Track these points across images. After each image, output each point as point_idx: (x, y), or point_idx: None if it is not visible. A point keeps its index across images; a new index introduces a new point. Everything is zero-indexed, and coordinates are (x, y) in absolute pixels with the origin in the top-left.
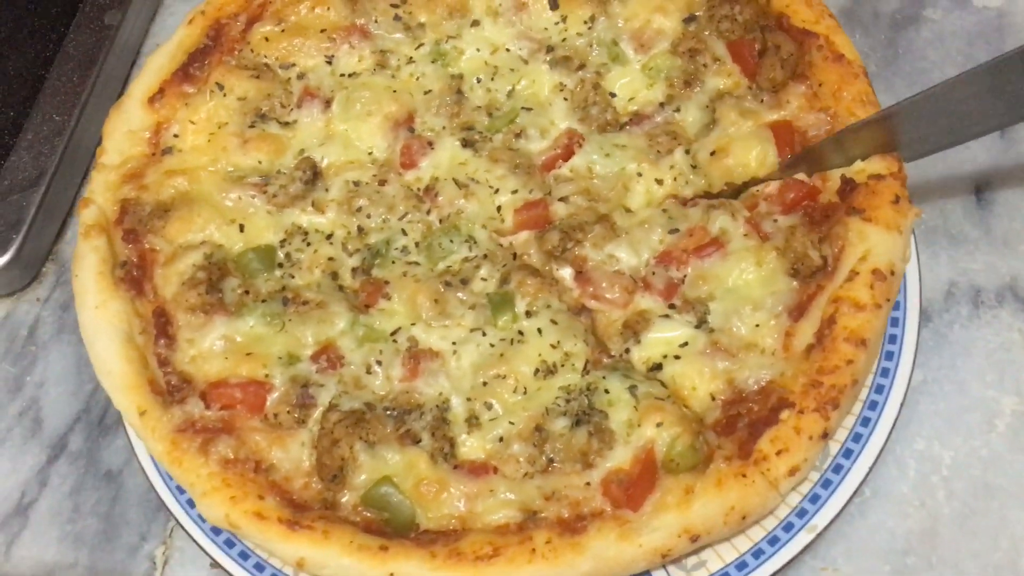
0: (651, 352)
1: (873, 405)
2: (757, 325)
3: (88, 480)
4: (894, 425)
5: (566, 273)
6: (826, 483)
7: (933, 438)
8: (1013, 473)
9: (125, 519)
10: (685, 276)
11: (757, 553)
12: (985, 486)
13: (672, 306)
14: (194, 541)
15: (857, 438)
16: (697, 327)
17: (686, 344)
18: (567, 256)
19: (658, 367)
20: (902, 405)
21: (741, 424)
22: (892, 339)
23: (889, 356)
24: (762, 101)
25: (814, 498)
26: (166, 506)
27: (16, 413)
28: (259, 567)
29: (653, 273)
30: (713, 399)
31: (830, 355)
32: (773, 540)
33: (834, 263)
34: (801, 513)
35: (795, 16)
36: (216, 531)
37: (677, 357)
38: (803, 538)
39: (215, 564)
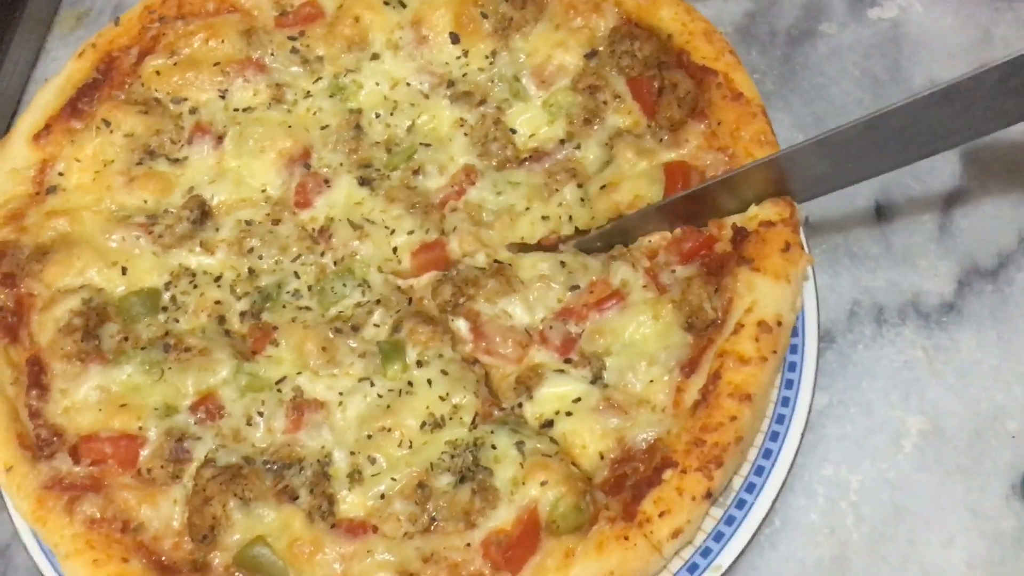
0: (544, 408)
1: (775, 436)
2: (651, 381)
3: None
4: (797, 453)
5: (461, 325)
6: (730, 520)
7: (840, 462)
8: (921, 494)
9: None
10: (583, 331)
11: None
12: (894, 509)
13: (568, 360)
14: None
15: (760, 471)
16: (592, 382)
17: (579, 400)
18: (459, 310)
19: (550, 423)
20: (804, 433)
21: (628, 484)
22: (792, 366)
23: (789, 384)
24: (661, 140)
25: (718, 536)
26: None
27: None
28: None
29: (551, 327)
30: (602, 458)
31: (714, 412)
32: None
33: (723, 316)
34: (705, 552)
35: (695, 53)
36: None
37: (569, 413)
38: None
39: None
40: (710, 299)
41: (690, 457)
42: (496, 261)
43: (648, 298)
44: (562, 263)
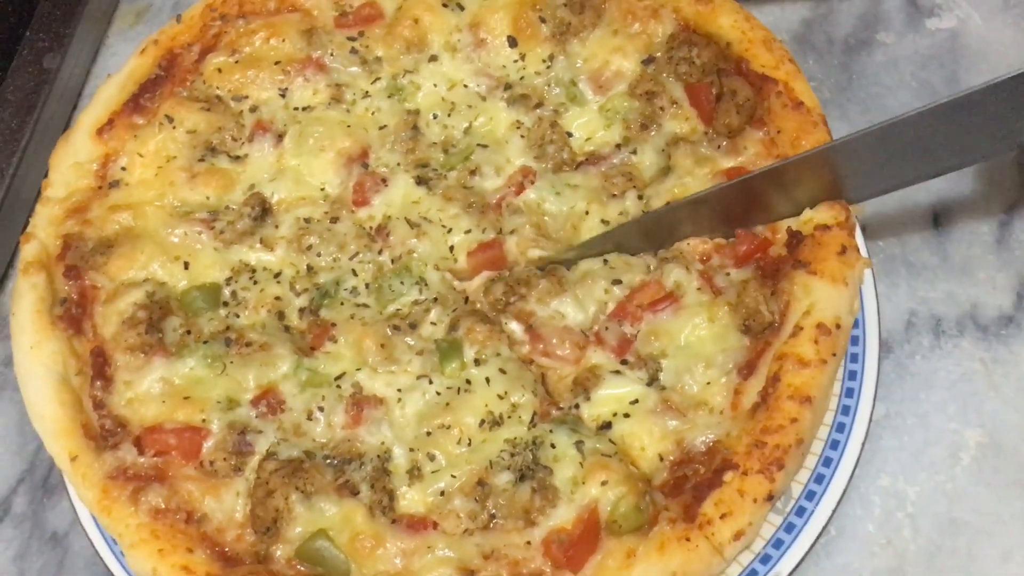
0: (601, 409)
1: (835, 444)
2: (708, 383)
3: (33, 544)
4: (857, 463)
5: (516, 327)
6: (789, 527)
7: (897, 473)
8: (979, 507)
9: None
10: (638, 332)
11: None
12: (951, 521)
13: (624, 362)
14: None
15: (820, 479)
16: (649, 384)
17: (636, 401)
18: (511, 310)
19: (608, 425)
20: (864, 442)
21: (687, 486)
22: (852, 375)
23: (849, 393)
24: (719, 147)
25: (777, 543)
26: (112, 574)
27: None
28: None
29: (606, 328)
30: (662, 459)
31: (774, 414)
32: None
33: (780, 319)
34: (764, 559)
35: (754, 60)
36: None
37: (627, 415)
38: None
39: None
40: (767, 302)
41: (751, 459)
42: (552, 263)
43: (703, 300)
44: (604, 260)
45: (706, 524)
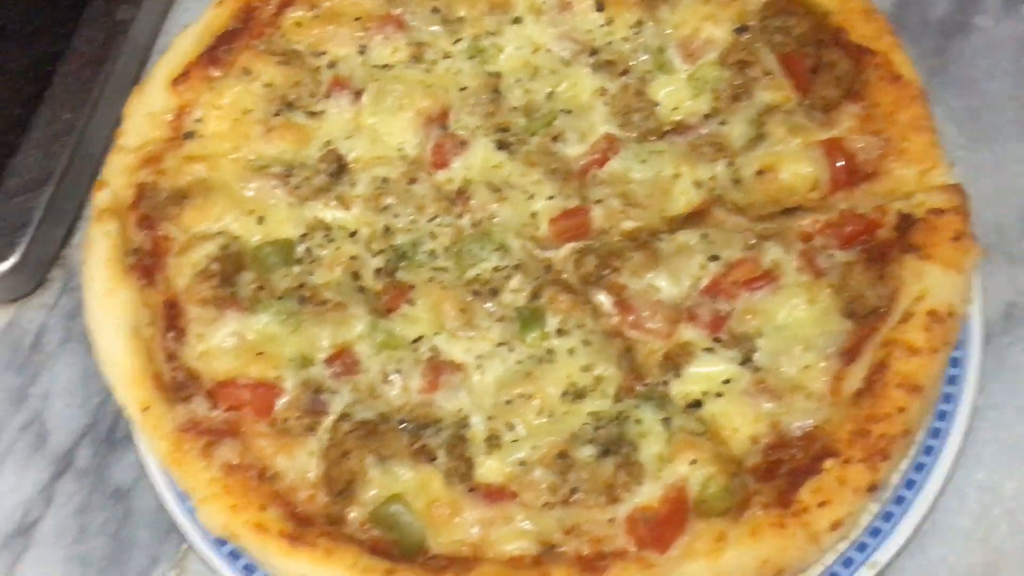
0: (691, 387)
1: (936, 432)
2: (806, 366)
3: (95, 498)
4: (959, 453)
5: (605, 299)
6: (887, 516)
7: (995, 467)
8: None
9: (135, 540)
10: (733, 309)
11: None
12: None
13: (717, 340)
14: (208, 566)
15: (920, 468)
16: (742, 364)
17: (729, 381)
18: (603, 283)
19: (697, 404)
20: (966, 432)
21: (782, 471)
22: (954, 362)
23: (952, 380)
24: (812, 119)
25: (874, 532)
26: (178, 528)
27: (19, 426)
28: None
29: (699, 304)
30: (755, 442)
31: (880, 402)
32: None
33: (888, 304)
34: (861, 548)
35: (853, 32)
36: (235, 555)
37: (719, 395)
38: (864, 575)
39: None
40: (873, 286)
41: (854, 447)
42: (645, 235)
43: (803, 281)
44: (704, 235)
45: (802, 512)
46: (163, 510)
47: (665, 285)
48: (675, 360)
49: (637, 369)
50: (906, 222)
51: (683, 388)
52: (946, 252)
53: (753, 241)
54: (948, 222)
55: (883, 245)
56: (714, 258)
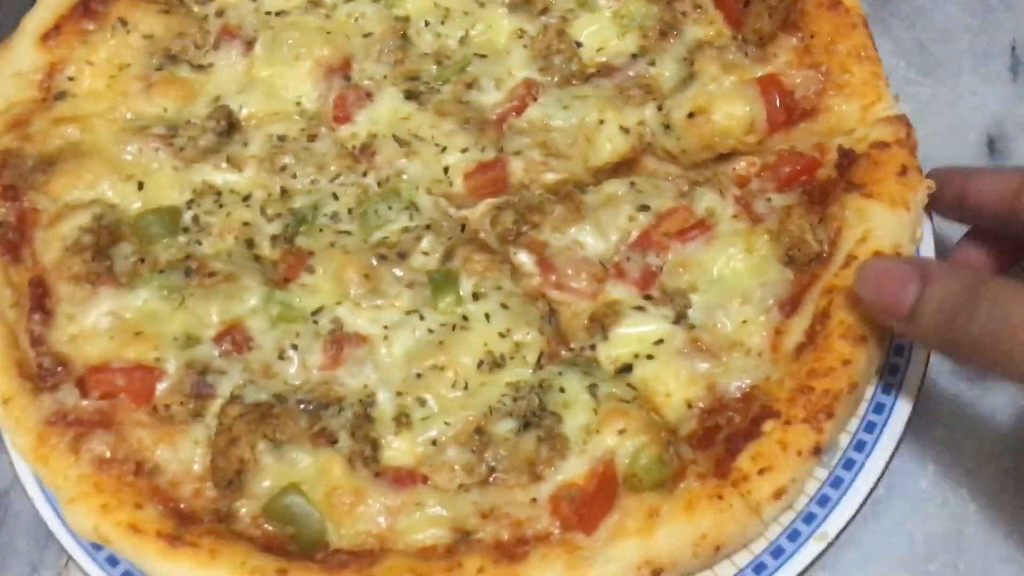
0: (620, 350)
1: (887, 388)
2: (744, 321)
3: None
4: (913, 410)
5: (525, 258)
6: (836, 481)
7: (954, 425)
8: None
9: (12, 547)
10: (664, 263)
11: (758, 568)
12: (1018, 477)
13: (648, 297)
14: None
15: (871, 427)
16: (675, 322)
17: (661, 342)
18: (523, 240)
19: (628, 368)
20: (920, 389)
21: (720, 437)
22: None
23: None
24: (747, 54)
25: (823, 500)
26: (53, 534)
27: None
28: None
29: (628, 259)
30: (690, 407)
31: (823, 355)
32: (777, 552)
33: (830, 248)
34: (808, 518)
35: None
36: (112, 561)
37: (650, 357)
38: (813, 548)
39: None
40: (813, 229)
41: (795, 407)
42: (569, 187)
43: (740, 228)
44: (632, 184)
45: (741, 480)
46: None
47: (590, 240)
48: (602, 321)
49: (561, 333)
50: (847, 159)
51: (612, 352)
52: (891, 188)
53: (686, 188)
54: (893, 156)
55: (824, 185)
56: (643, 208)
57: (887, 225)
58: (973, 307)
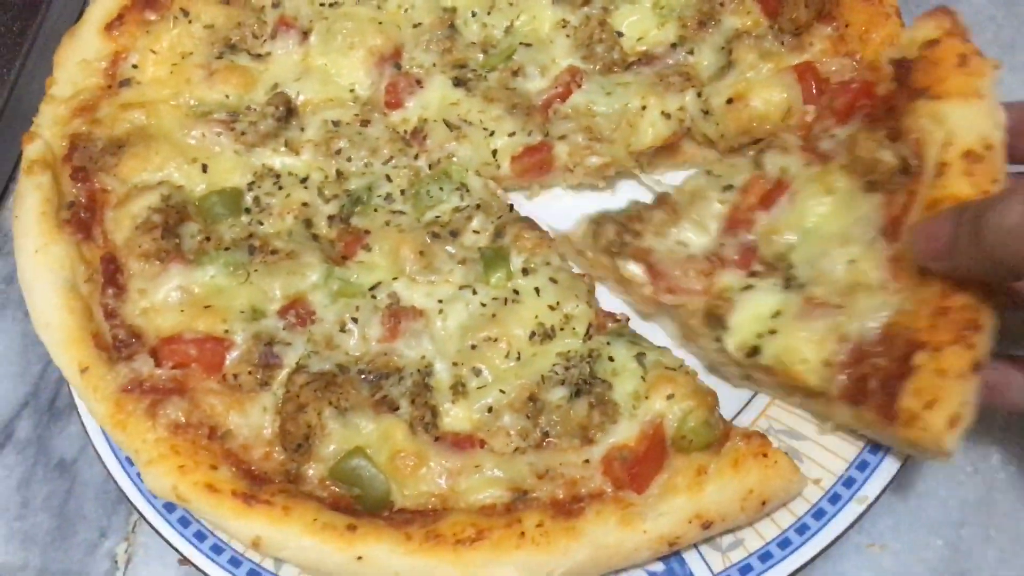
0: (744, 335)
1: None
2: (851, 261)
3: (38, 471)
4: None
5: (635, 268)
6: (875, 447)
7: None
8: None
9: (81, 514)
10: (757, 237)
11: (801, 529)
12: None
13: (753, 274)
14: (160, 535)
15: None
16: (786, 288)
17: (779, 313)
18: (627, 251)
19: (756, 351)
20: None
21: (871, 386)
22: None
23: None
24: (783, 43)
25: (862, 465)
26: (127, 497)
27: None
28: (235, 562)
29: (722, 244)
30: (829, 365)
31: None
32: (818, 514)
33: (918, 161)
34: (848, 482)
35: None
36: (184, 522)
37: (772, 332)
38: (852, 510)
39: (184, 560)
40: (881, 145)
41: (939, 331)
42: (659, 193)
43: (813, 174)
44: (708, 172)
45: (912, 420)
46: (110, 481)
47: (692, 237)
48: (716, 314)
49: (689, 335)
50: (903, 68)
51: (736, 339)
52: (957, 82)
53: (752, 154)
54: (947, 49)
55: (887, 100)
56: (728, 188)
57: (966, 120)
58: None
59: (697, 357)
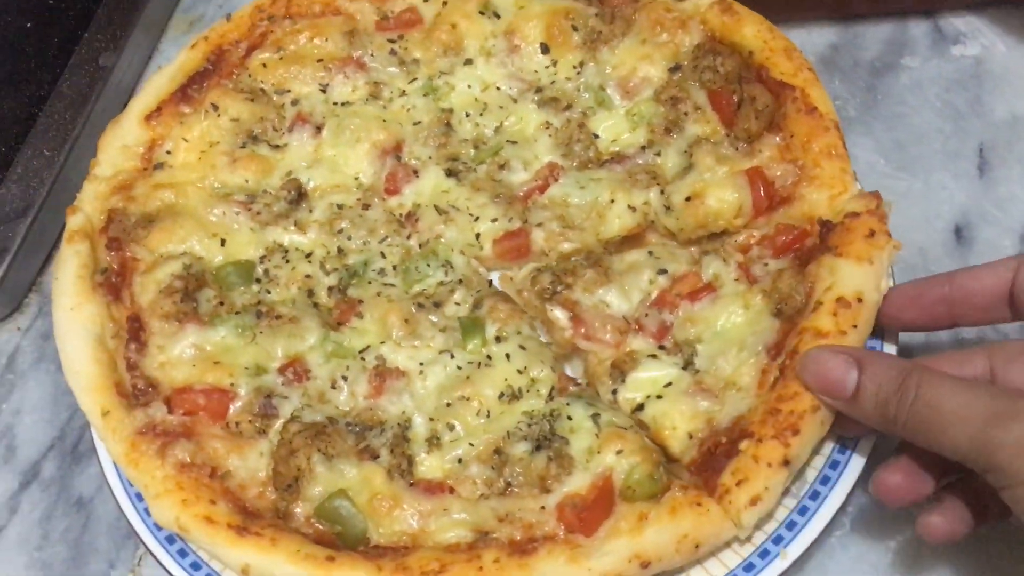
0: (636, 392)
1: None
2: (739, 364)
3: (59, 507)
4: (873, 450)
5: (560, 314)
6: (803, 510)
7: None
8: None
9: (94, 546)
10: (676, 319)
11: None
12: None
13: (662, 347)
14: (161, 565)
15: (835, 465)
16: (683, 368)
17: (670, 384)
18: (558, 299)
19: (640, 407)
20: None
21: (712, 461)
22: None
23: None
24: (737, 149)
25: (791, 525)
26: (135, 531)
27: None
28: None
29: (646, 315)
30: (691, 437)
31: (789, 383)
32: (748, 567)
33: (806, 299)
34: (777, 540)
35: (775, 68)
36: (183, 554)
37: (659, 397)
38: (778, 566)
39: None
40: (797, 287)
41: (766, 426)
42: (587, 255)
43: (740, 290)
44: (650, 252)
45: (724, 494)
46: (122, 518)
47: (615, 300)
48: (621, 368)
49: (589, 377)
50: (826, 228)
51: (628, 394)
52: (858, 248)
53: (696, 256)
54: (862, 223)
55: (810, 251)
56: (662, 272)
57: (851, 276)
58: (903, 394)
59: None
